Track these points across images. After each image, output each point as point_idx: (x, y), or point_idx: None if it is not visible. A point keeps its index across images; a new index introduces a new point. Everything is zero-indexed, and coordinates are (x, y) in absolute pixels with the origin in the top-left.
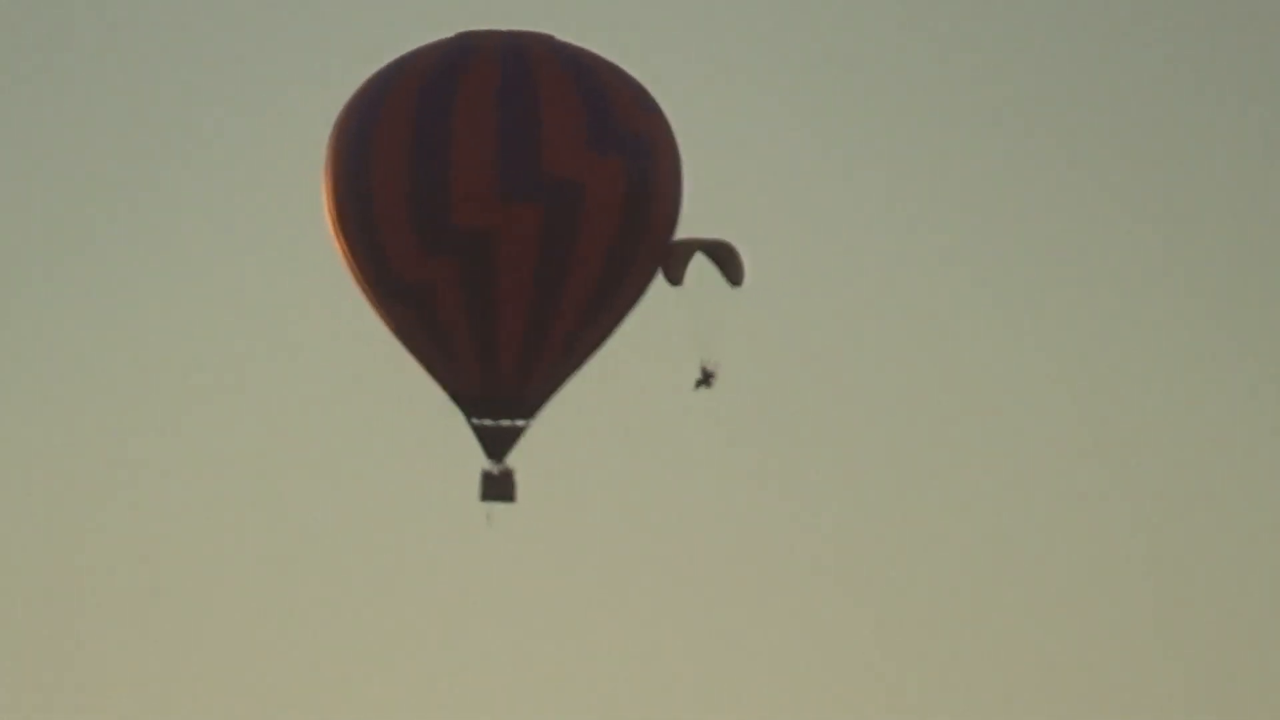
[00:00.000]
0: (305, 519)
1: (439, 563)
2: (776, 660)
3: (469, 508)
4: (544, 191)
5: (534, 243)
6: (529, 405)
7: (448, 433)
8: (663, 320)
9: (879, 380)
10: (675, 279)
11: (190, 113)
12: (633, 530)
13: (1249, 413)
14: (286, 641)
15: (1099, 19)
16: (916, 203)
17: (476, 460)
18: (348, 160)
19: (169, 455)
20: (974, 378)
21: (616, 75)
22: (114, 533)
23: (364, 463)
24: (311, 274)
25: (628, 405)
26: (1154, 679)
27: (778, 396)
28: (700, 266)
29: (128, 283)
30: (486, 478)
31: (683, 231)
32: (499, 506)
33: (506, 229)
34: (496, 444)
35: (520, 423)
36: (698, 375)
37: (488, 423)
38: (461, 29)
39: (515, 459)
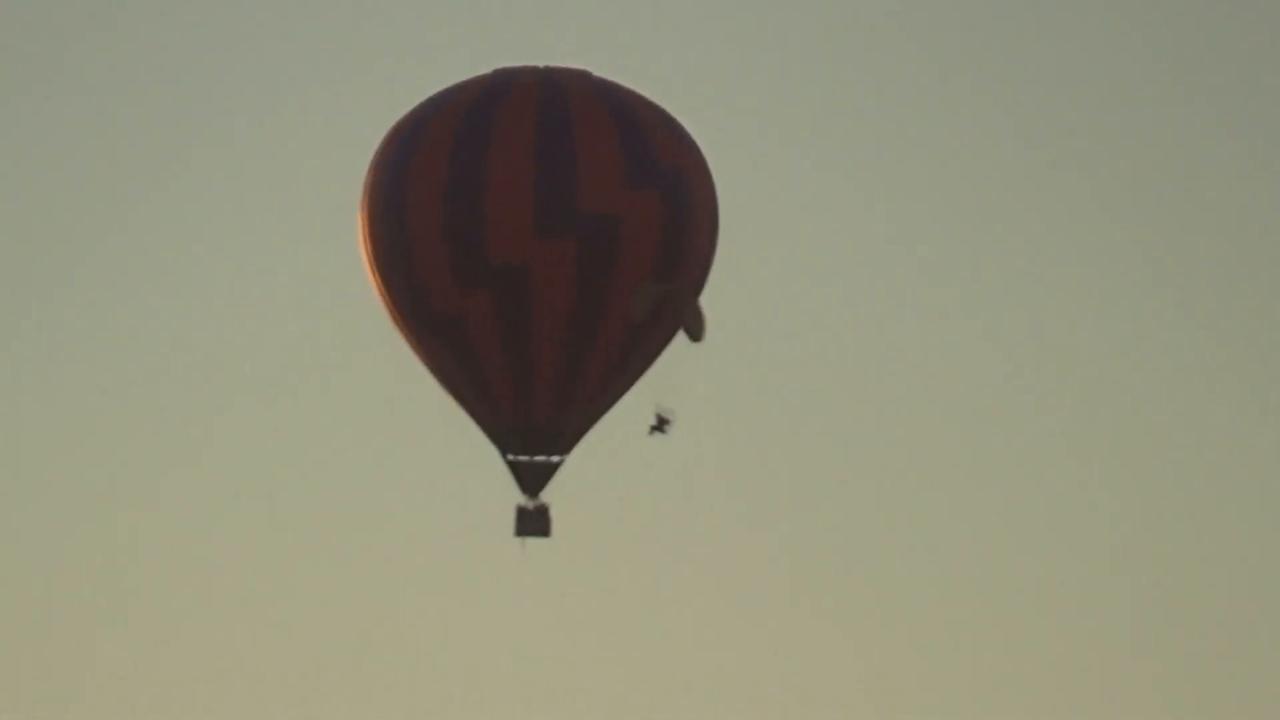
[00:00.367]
0: (341, 554)
1: (473, 597)
2: (813, 701)
3: (503, 543)
4: (580, 227)
5: (569, 278)
6: (564, 441)
7: (483, 469)
8: (698, 356)
9: (915, 403)
10: (696, 336)
11: (229, 151)
12: (667, 566)
13: (1249, 413)
14: (324, 678)
15: (1100, 19)
16: (951, 238)
17: (511, 496)
18: (384, 195)
19: (208, 485)
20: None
21: (651, 110)
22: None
23: (400, 498)
24: (347, 310)
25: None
26: (1154, 679)
27: (813, 434)
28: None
29: (170, 327)
30: (521, 513)
31: (717, 265)
32: (533, 541)
33: (541, 264)
34: (531, 479)
35: (555, 458)
36: (652, 421)
37: (523, 458)
38: (498, 65)
39: (550, 494)
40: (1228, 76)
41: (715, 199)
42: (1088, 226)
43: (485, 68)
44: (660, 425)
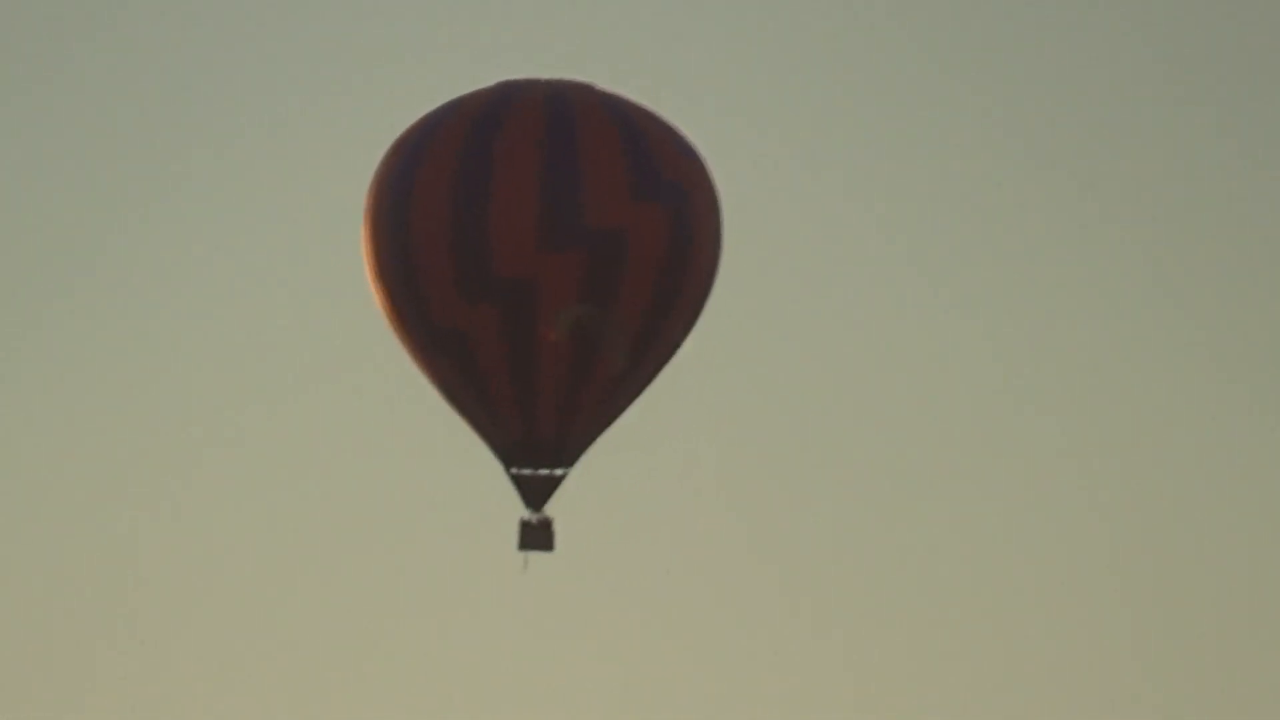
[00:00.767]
0: (342, 568)
1: (476, 611)
2: (821, 714)
3: (506, 556)
4: (585, 241)
5: (575, 291)
6: (568, 454)
7: (486, 482)
8: (702, 369)
9: (927, 415)
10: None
11: (230, 164)
12: (672, 579)
13: (1249, 413)
14: (328, 691)
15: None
16: (962, 251)
17: (515, 509)
18: (388, 209)
19: (211, 494)
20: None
21: (655, 122)
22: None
23: (403, 511)
24: (351, 323)
25: (667, 453)
26: (1154, 679)
27: (821, 446)
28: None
29: (174, 340)
30: (525, 527)
31: (722, 276)
32: (537, 555)
33: (547, 278)
34: (535, 493)
35: (559, 472)
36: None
37: (526, 472)
38: (501, 78)
39: (554, 508)
40: (1228, 76)
41: (720, 211)
42: (1104, 234)
43: (488, 80)
44: None
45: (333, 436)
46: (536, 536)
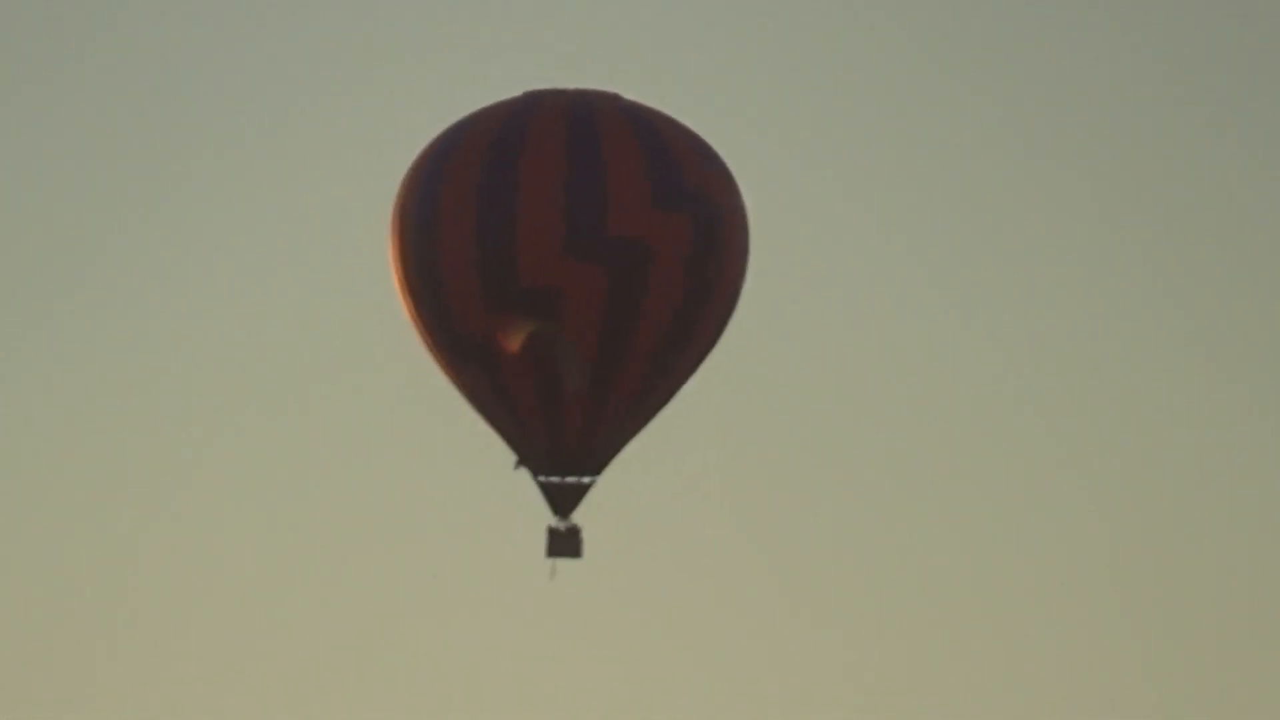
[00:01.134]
0: (370, 575)
1: (502, 618)
2: None
3: (534, 564)
4: (610, 252)
5: (600, 300)
6: (596, 462)
7: (514, 489)
8: (732, 377)
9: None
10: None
11: (253, 172)
12: (701, 587)
13: (1249, 414)
14: (354, 699)
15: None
16: (991, 261)
17: (543, 517)
18: (415, 219)
19: (236, 502)
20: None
21: (681, 132)
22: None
23: (431, 518)
24: (376, 331)
25: (695, 461)
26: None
27: (855, 456)
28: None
29: (204, 353)
30: (552, 534)
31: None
32: (565, 563)
33: (573, 286)
34: (563, 501)
35: (587, 479)
36: (516, 456)
37: (554, 479)
38: (526, 88)
39: (581, 516)
40: (1228, 76)
41: (746, 221)
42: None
43: (514, 90)
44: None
45: (362, 445)
46: (564, 544)
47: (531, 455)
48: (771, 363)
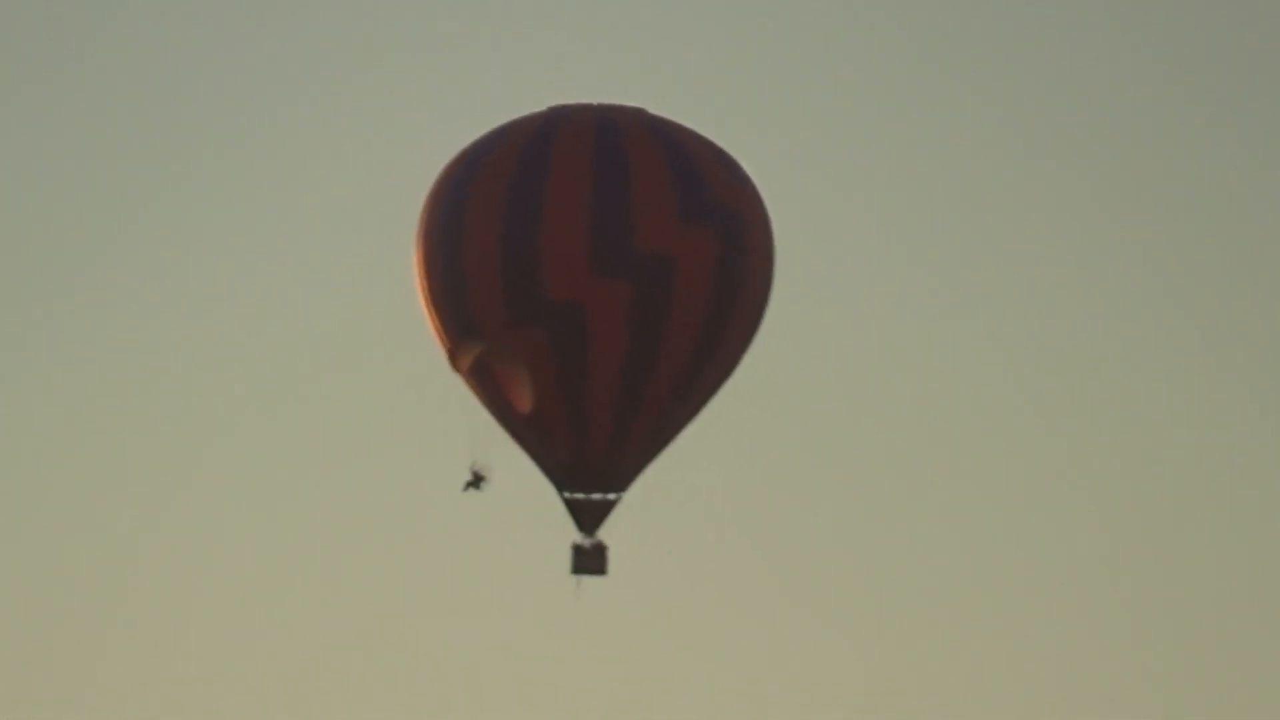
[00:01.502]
0: (396, 592)
1: (530, 635)
2: None
3: (560, 580)
4: (636, 267)
5: (625, 316)
6: (621, 479)
7: (540, 506)
8: (755, 392)
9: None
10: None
11: (280, 186)
12: (726, 604)
13: (1249, 414)
14: (379, 713)
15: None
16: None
17: (568, 534)
18: (440, 232)
19: (261, 512)
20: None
21: (707, 148)
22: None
23: (456, 535)
24: (402, 346)
25: (720, 479)
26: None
27: (878, 471)
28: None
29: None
30: (578, 551)
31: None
32: (590, 579)
33: (597, 302)
34: (588, 517)
35: (612, 496)
36: (467, 477)
37: (579, 496)
38: (553, 103)
39: (607, 532)
40: (1228, 76)
41: (771, 236)
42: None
43: (540, 105)
44: (475, 481)
45: (386, 461)
46: (589, 561)
47: (555, 470)
48: (797, 378)
